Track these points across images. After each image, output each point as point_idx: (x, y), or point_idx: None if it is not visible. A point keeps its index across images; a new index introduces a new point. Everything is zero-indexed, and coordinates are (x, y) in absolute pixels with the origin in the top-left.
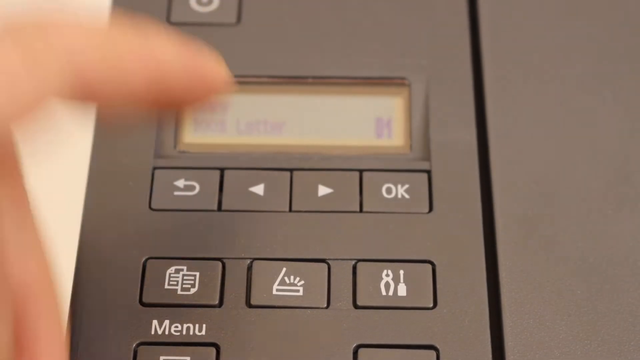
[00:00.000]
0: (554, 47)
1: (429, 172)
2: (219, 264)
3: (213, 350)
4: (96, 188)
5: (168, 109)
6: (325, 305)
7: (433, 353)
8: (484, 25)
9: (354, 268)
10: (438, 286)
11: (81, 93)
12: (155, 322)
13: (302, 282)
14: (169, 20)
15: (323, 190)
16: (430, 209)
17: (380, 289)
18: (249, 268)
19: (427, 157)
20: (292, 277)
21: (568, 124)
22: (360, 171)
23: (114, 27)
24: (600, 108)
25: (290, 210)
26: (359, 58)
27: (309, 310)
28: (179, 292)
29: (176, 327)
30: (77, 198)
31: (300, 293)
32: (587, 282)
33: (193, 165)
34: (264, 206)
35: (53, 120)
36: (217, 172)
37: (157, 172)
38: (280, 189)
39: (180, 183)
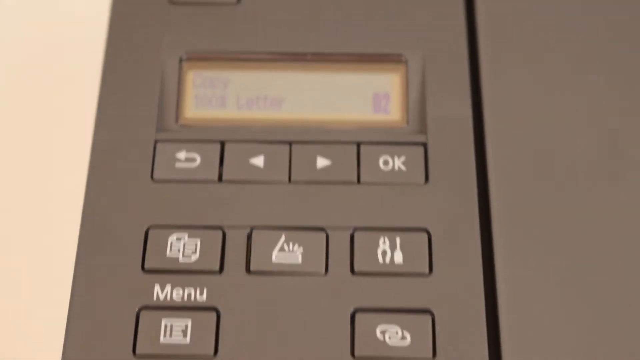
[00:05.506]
0: (549, 24)
1: (425, 145)
2: (220, 232)
3: (213, 314)
4: (100, 160)
5: None
6: (323, 272)
7: (429, 317)
8: (479, 1)
9: (352, 236)
10: (434, 253)
11: None
12: (157, 287)
13: (301, 249)
14: (170, 0)
15: (321, 162)
16: (427, 180)
17: (377, 256)
18: (249, 236)
19: (423, 130)
20: (291, 244)
21: (562, 100)
22: (358, 144)
23: None
24: (594, 85)
25: (289, 181)
26: (357, 35)
27: (307, 277)
28: (181, 259)
29: (177, 292)
30: (82, 169)
31: (299, 260)
32: (580, 248)
33: (194, 138)
34: (263, 177)
35: None
36: (218, 145)
37: (159, 144)
38: (279, 160)
39: (182, 155)
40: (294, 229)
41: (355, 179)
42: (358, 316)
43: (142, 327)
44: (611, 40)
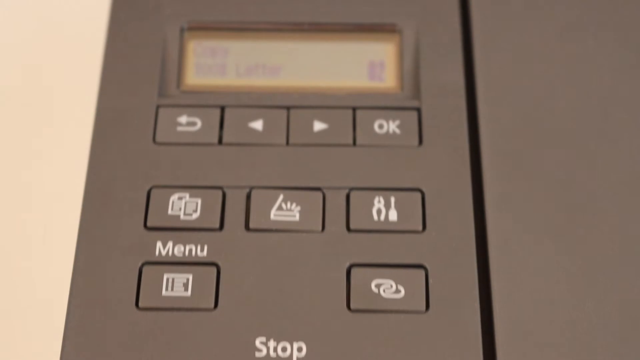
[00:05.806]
0: None
1: (419, 109)
2: (220, 191)
3: (214, 269)
4: (104, 124)
5: None
6: (320, 229)
7: (422, 271)
8: None
9: (348, 196)
10: (427, 212)
11: None
12: (159, 243)
13: (299, 208)
14: None
15: (318, 126)
16: (420, 142)
17: (372, 214)
18: (248, 196)
19: (417, 96)
20: (289, 203)
21: (551, 64)
22: (354, 108)
23: None
24: (583, 50)
25: (287, 144)
26: (353, 5)
27: (304, 234)
28: (182, 217)
29: (179, 248)
30: (86, 132)
31: (297, 218)
32: (568, 207)
33: (195, 103)
34: (262, 140)
35: None
36: (218, 110)
37: (161, 109)
38: (278, 124)
39: (183, 119)
40: (291, 189)
41: (351, 141)
42: (354, 271)
43: (145, 281)
44: (602, 8)
